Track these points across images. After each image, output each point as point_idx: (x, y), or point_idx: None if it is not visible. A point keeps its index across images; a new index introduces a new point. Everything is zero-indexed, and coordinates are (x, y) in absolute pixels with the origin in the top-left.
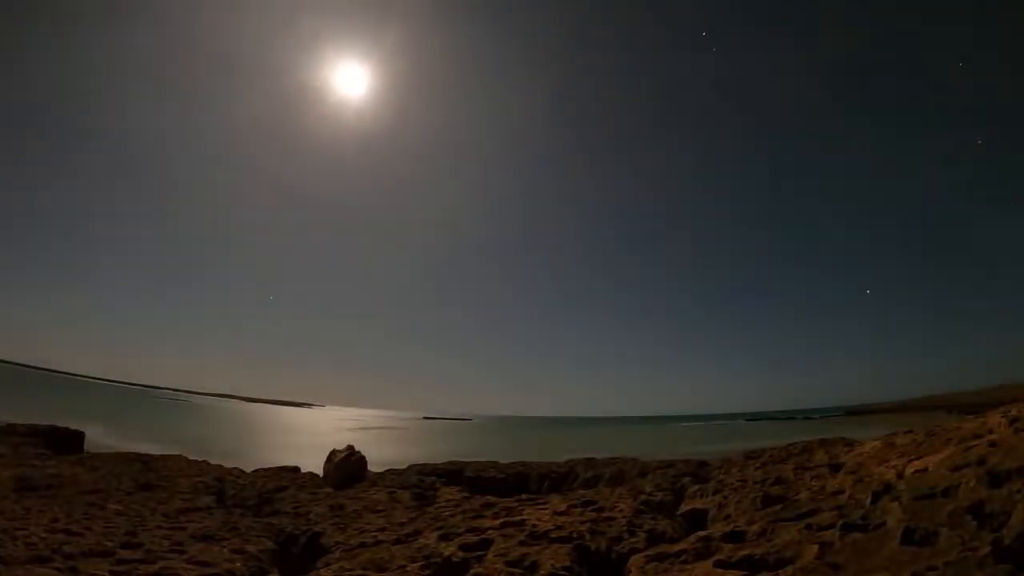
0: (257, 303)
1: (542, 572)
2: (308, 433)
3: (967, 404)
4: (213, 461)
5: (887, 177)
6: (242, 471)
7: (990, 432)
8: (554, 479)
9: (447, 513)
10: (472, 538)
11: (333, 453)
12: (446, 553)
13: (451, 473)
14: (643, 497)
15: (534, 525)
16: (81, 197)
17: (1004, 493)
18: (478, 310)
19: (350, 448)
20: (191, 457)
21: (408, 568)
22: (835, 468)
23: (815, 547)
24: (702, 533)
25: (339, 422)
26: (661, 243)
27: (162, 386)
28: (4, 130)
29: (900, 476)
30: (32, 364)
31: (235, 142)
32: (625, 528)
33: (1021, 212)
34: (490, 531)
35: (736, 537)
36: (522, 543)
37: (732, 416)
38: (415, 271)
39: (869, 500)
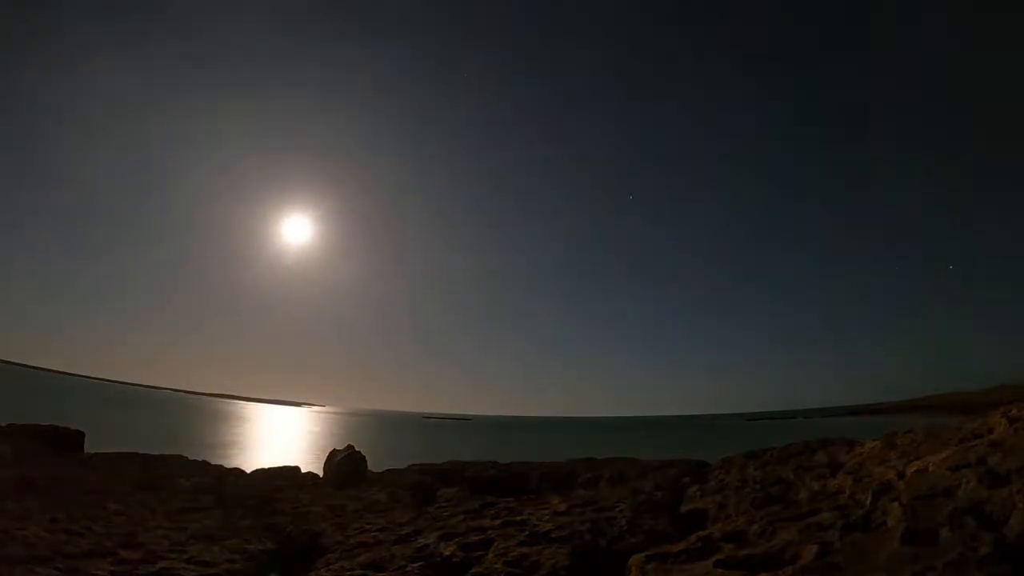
0: (257, 304)
1: (542, 572)
2: (308, 433)
3: (967, 404)
4: (213, 461)
5: (887, 178)
6: (242, 471)
7: (990, 432)
8: (554, 479)
9: (447, 513)
10: (472, 538)
11: (333, 453)
12: (446, 553)
13: (451, 473)
14: (643, 497)
15: (534, 525)
16: (81, 198)
17: (1004, 493)
18: (478, 311)
19: (350, 448)
20: (191, 457)
21: (408, 568)
22: (835, 468)
23: (815, 547)
24: (702, 533)
25: (338, 421)
26: (661, 244)
27: (162, 386)
28: (5, 130)
29: (900, 476)
30: (32, 364)
31: (234, 142)
32: (625, 528)
33: (1019, 215)
34: (490, 531)
35: (736, 537)
36: (522, 543)
37: (732, 416)
38: (415, 272)
39: (869, 500)
